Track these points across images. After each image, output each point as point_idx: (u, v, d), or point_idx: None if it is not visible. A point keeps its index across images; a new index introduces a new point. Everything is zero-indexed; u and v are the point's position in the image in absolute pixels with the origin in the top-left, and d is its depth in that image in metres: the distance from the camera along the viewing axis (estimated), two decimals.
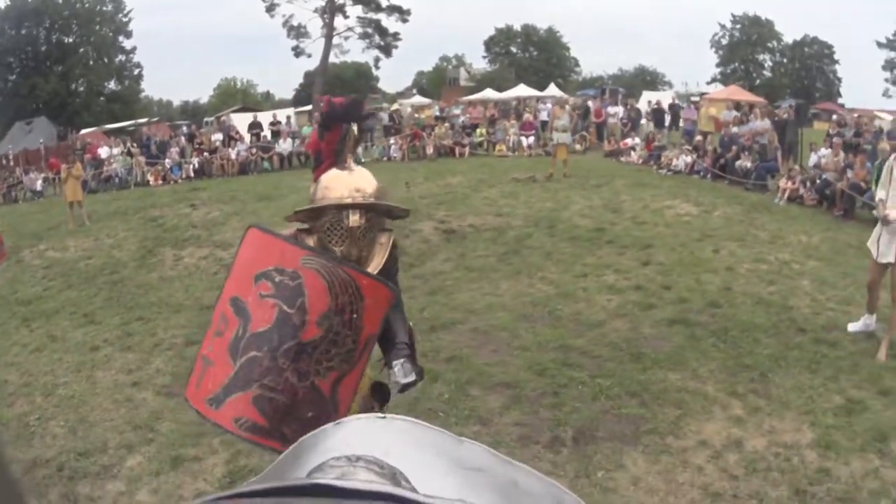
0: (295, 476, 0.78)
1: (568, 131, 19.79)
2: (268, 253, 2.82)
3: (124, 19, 54.96)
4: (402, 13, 54.52)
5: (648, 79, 67.65)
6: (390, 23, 55.38)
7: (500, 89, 46.58)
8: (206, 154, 25.55)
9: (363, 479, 0.68)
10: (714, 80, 62.14)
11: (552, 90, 43.20)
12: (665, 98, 30.71)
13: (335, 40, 53.42)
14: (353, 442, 0.82)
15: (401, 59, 61.32)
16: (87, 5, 52.69)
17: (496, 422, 5.90)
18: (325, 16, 52.03)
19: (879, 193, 7.27)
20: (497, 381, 6.59)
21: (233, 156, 25.27)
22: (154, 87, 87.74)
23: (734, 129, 20.20)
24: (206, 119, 44.08)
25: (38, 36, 50.45)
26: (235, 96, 64.36)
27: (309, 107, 43.17)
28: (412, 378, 3.34)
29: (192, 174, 24.53)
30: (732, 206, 14.43)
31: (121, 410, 6.44)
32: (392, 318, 3.25)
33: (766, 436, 5.50)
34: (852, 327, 7.61)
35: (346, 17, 53.65)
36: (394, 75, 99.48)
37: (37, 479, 5.25)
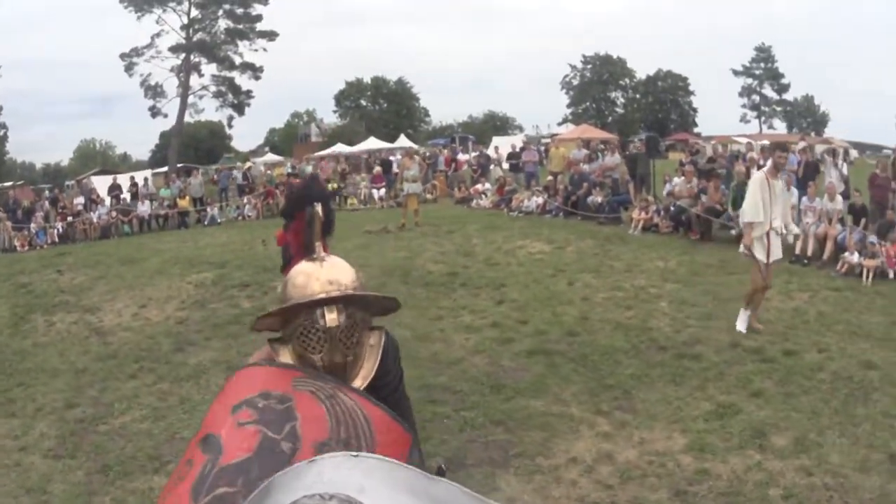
0: None
1: (418, 181, 19.99)
2: (251, 382, 2.16)
3: None
4: (255, 70, 54.35)
5: (499, 124, 69.19)
6: (243, 80, 55.32)
7: (350, 143, 47.06)
8: (69, 218, 25.35)
9: None
10: (566, 120, 64.02)
11: (402, 141, 43.62)
12: (516, 142, 31.17)
13: (190, 99, 53.02)
14: (326, 480, 0.85)
15: (253, 117, 61.29)
16: None
17: None
18: (181, 75, 51.44)
19: (752, 212, 7.95)
20: None
21: (94, 219, 25.15)
22: (16, 149, 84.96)
23: (584, 167, 20.68)
24: (67, 182, 43.32)
25: None
26: (95, 158, 64.95)
27: (165, 168, 42.90)
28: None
29: (56, 239, 24.30)
30: (585, 241, 14.72)
31: (11, 475, 6.35)
32: None
33: (637, 447, 5.61)
34: (740, 325, 8.18)
35: (200, 75, 53.45)
36: (247, 133, 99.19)
37: None
